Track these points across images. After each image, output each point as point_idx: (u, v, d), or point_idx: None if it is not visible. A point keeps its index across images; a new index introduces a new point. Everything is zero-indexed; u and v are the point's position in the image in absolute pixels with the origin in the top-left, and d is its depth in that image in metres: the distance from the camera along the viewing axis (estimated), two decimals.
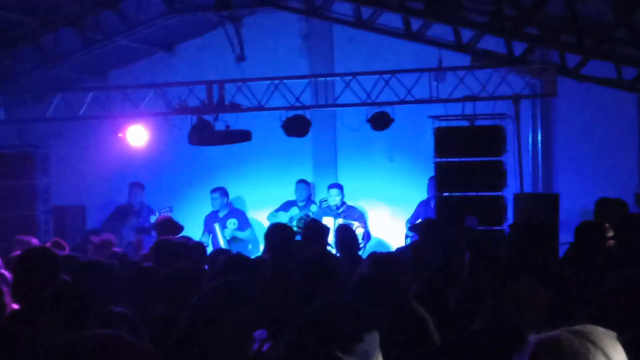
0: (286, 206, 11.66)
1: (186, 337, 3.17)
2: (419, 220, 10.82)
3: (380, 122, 10.29)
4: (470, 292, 5.37)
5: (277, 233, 7.04)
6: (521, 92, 10.20)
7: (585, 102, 11.03)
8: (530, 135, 11.45)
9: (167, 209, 11.15)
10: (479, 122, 10.12)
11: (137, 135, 11.22)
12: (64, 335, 2.16)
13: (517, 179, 10.11)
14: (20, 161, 11.20)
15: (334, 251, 8.40)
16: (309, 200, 11.72)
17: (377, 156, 12.12)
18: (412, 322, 3.95)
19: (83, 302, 3.58)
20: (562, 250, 8.39)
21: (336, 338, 2.01)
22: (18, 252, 6.88)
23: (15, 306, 4.68)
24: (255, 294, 3.29)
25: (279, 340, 3.39)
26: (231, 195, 12.04)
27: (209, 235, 11.43)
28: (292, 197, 11.75)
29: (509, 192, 10.04)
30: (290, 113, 10.55)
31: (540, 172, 11.54)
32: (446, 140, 9.99)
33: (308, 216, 11.10)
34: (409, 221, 11.18)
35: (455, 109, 10.20)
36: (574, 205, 10.44)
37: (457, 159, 10.07)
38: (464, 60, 10.42)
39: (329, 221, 10.79)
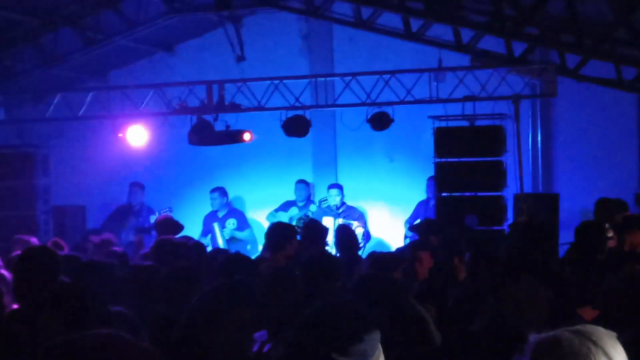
0: (285, 206, 11.66)
1: (186, 336, 3.17)
2: (418, 220, 10.84)
3: (380, 122, 10.29)
4: (470, 292, 5.37)
5: (277, 232, 7.04)
6: (521, 92, 10.19)
7: (585, 102, 11.03)
8: (530, 135, 11.46)
9: (167, 209, 11.15)
10: (478, 122, 10.12)
11: (137, 135, 11.21)
12: (64, 335, 2.16)
13: (517, 179, 10.10)
14: (20, 161, 11.20)
15: (332, 251, 8.41)
16: (309, 200, 11.72)
17: (377, 156, 12.12)
18: (412, 322, 3.95)
19: (83, 302, 3.57)
20: (562, 250, 8.39)
21: (336, 338, 2.01)
22: (18, 252, 6.89)
23: (16, 306, 4.69)
24: (255, 294, 3.29)
25: (279, 341, 3.40)
26: (231, 195, 12.04)
27: (208, 235, 11.42)
28: (292, 197, 11.75)
29: (509, 192, 10.04)
30: (290, 113, 10.55)
31: (540, 172, 11.54)
32: (446, 141, 9.99)
33: (307, 216, 11.10)
34: (407, 221, 11.18)
35: (455, 109, 10.20)
36: (574, 205, 10.44)
37: (457, 159, 10.07)
38: (464, 60, 10.42)
39: (328, 221, 10.80)
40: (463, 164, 10.04)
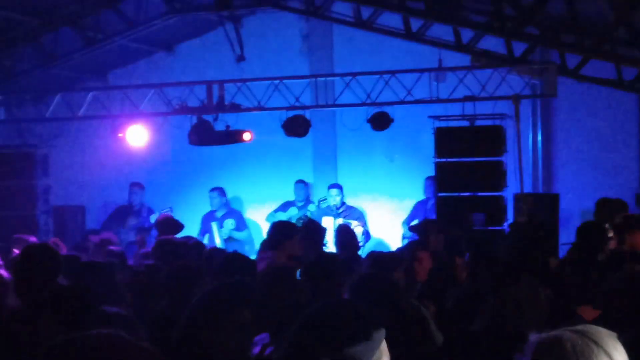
0: (284, 207, 11.66)
1: (186, 337, 3.16)
2: (416, 220, 10.84)
3: (380, 122, 10.29)
4: (470, 292, 5.37)
5: (277, 229, 7.02)
6: (521, 92, 10.19)
7: (585, 102, 11.03)
8: (531, 135, 11.45)
9: (168, 209, 11.14)
10: (479, 122, 10.12)
11: (137, 135, 11.21)
12: (63, 335, 2.16)
13: (517, 179, 10.10)
14: (20, 161, 11.20)
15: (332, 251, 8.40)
16: (308, 200, 11.72)
17: (377, 156, 12.12)
18: (412, 322, 3.94)
19: (82, 303, 3.57)
20: (562, 251, 8.39)
21: (336, 338, 2.01)
22: (17, 251, 6.90)
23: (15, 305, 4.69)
24: (255, 294, 3.29)
25: (280, 343, 3.39)
26: (231, 195, 12.04)
27: (205, 234, 11.42)
28: (292, 197, 11.75)
29: (509, 192, 10.04)
30: (290, 113, 10.54)
31: (540, 172, 11.54)
32: (446, 140, 9.99)
33: (306, 216, 11.10)
34: (405, 222, 11.19)
35: (455, 109, 10.20)
36: (574, 206, 10.45)
37: (457, 159, 10.07)
38: (464, 60, 10.42)
39: (328, 221, 10.80)
40: (463, 164, 10.04)
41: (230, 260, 5.51)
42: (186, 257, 6.81)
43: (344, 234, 8.16)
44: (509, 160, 10.00)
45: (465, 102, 10.12)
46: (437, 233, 7.64)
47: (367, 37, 11.04)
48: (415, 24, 10.32)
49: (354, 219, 10.98)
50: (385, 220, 11.82)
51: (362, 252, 8.81)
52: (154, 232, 10.27)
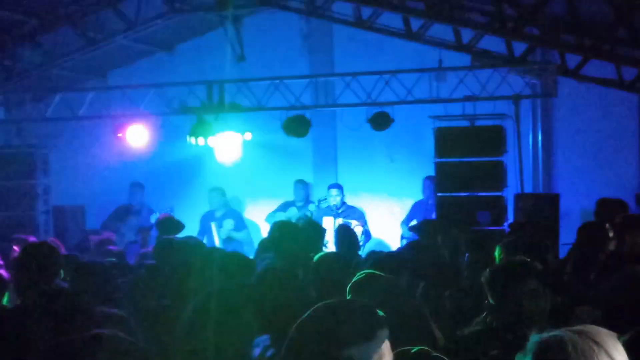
0: (284, 207, 11.65)
1: (187, 337, 3.16)
2: (414, 220, 10.84)
3: (381, 122, 10.29)
4: (470, 292, 5.36)
5: (279, 230, 7.00)
6: (521, 92, 10.19)
7: (585, 102, 11.03)
8: (531, 135, 11.45)
9: (168, 209, 11.15)
10: (479, 122, 10.11)
11: (137, 135, 11.21)
12: (52, 338, 2.17)
13: (518, 179, 10.10)
14: (20, 161, 11.20)
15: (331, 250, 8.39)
16: (307, 200, 11.71)
17: (377, 156, 12.12)
18: (413, 322, 3.94)
19: (74, 304, 3.56)
20: (562, 250, 8.39)
21: (336, 338, 2.00)
22: (16, 248, 6.91)
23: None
24: (257, 295, 3.28)
25: (281, 344, 3.38)
26: (231, 196, 12.04)
27: (204, 235, 11.41)
28: (292, 197, 11.75)
29: (509, 192, 10.03)
30: (290, 113, 10.54)
31: (540, 172, 11.54)
32: (446, 140, 9.98)
33: (306, 216, 11.09)
34: (404, 222, 11.20)
35: (455, 109, 10.19)
36: (574, 205, 10.44)
37: (457, 159, 10.06)
38: (464, 60, 10.42)
39: (329, 221, 10.80)
40: (463, 164, 10.03)
41: (229, 261, 5.49)
42: (187, 256, 6.80)
43: (344, 234, 8.16)
44: (509, 160, 9.99)
45: (466, 102, 10.12)
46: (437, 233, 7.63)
47: (367, 37, 11.04)
48: (416, 23, 10.32)
49: (354, 219, 10.97)
50: (385, 220, 11.82)
51: (362, 252, 8.81)
52: (154, 232, 10.28)
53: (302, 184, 11.71)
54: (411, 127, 11.09)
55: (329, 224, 10.61)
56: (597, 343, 1.98)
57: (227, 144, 11.18)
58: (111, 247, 8.05)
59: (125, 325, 3.64)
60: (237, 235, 11.52)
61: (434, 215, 10.68)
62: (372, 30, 10.61)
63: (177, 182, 12.48)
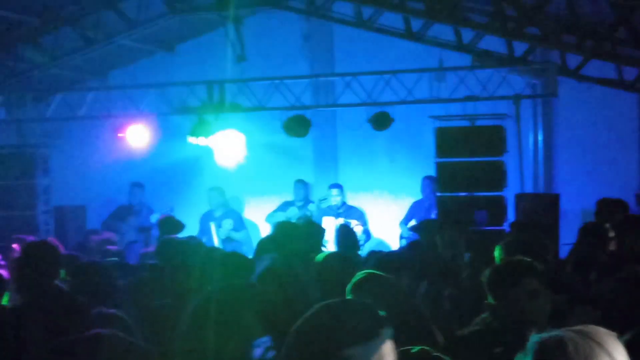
0: (284, 206, 11.65)
1: (188, 337, 3.16)
2: (413, 220, 10.85)
3: (381, 122, 10.29)
4: (470, 292, 5.37)
5: (283, 231, 6.99)
6: (522, 92, 10.19)
7: (585, 102, 11.03)
8: (531, 135, 11.46)
9: (169, 209, 11.16)
10: (479, 122, 10.11)
11: (137, 135, 11.22)
12: (47, 338, 2.18)
13: (518, 179, 10.11)
14: (21, 161, 11.20)
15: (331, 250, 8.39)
16: (307, 200, 11.71)
17: (377, 156, 12.12)
18: (412, 322, 3.94)
19: (71, 304, 3.57)
20: (562, 251, 8.39)
21: (335, 338, 2.00)
22: (16, 247, 6.92)
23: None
24: (259, 297, 3.28)
25: (282, 345, 3.38)
26: (231, 195, 12.04)
27: (203, 235, 11.41)
28: (293, 197, 11.75)
29: (510, 192, 10.03)
30: (291, 113, 10.54)
31: (540, 172, 11.54)
32: (447, 140, 9.98)
33: (306, 216, 11.09)
34: (402, 222, 11.21)
35: (456, 109, 10.20)
36: (575, 205, 10.44)
37: (457, 159, 10.06)
38: (465, 60, 10.42)
39: (329, 221, 10.80)
40: (463, 164, 10.03)
41: (228, 261, 5.50)
42: (188, 256, 6.81)
43: (344, 234, 8.17)
44: (509, 160, 10.00)
45: (466, 102, 10.13)
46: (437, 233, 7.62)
47: (367, 37, 11.04)
48: (416, 23, 10.32)
49: (354, 219, 10.98)
50: (386, 220, 11.83)
51: (362, 252, 8.82)
52: (155, 232, 10.28)
53: (301, 184, 11.71)
54: (411, 127, 11.09)
55: (329, 224, 10.61)
56: (597, 343, 1.98)
57: (227, 144, 11.18)
58: (110, 247, 8.06)
59: (124, 325, 3.65)
60: (236, 235, 11.52)
61: (432, 215, 10.69)
62: (372, 30, 10.62)
63: (177, 182, 12.48)
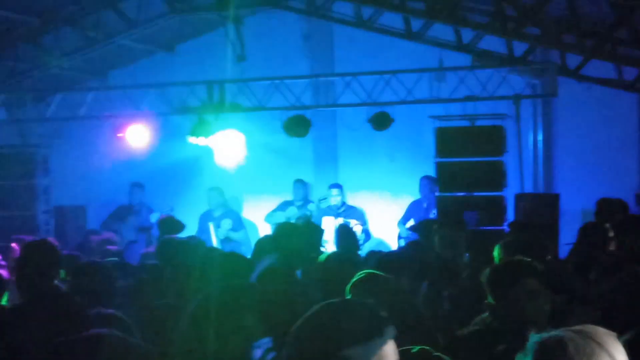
0: (283, 206, 11.66)
1: (188, 337, 3.16)
2: (411, 220, 10.86)
3: (381, 122, 10.29)
4: (469, 292, 5.36)
5: (284, 232, 6.97)
6: (522, 92, 10.20)
7: (585, 102, 11.03)
8: (531, 135, 11.46)
9: (169, 208, 11.17)
10: (479, 122, 10.11)
11: (137, 135, 11.22)
12: (45, 338, 2.19)
13: (518, 179, 10.11)
14: (21, 161, 11.20)
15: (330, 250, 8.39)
16: (306, 200, 11.72)
17: (377, 156, 12.12)
18: (413, 322, 3.94)
19: (69, 304, 3.57)
20: (563, 251, 8.39)
21: (335, 339, 2.00)
22: (15, 246, 6.92)
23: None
24: (259, 298, 3.27)
25: (282, 347, 3.38)
26: (231, 195, 12.04)
27: (202, 235, 11.41)
28: (292, 197, 11.76)
29: (510, 192, 10.03)
30: (291, 113, 10.54)
31: (540, 172, 11.54)
32: (447, 140, 9.98)
33: (305, 216, 11.10)
34: (400, 222, 11.22)
35: (455, 109, 10.20)
36: (575, 205, 10.44)
37: (457, 159, 10.06)
38: (465, 60, 10.42)
39: (329, 221, 10.81)
40: (463, 164, 10.03)
41: (227, 262, 5.50)
42: (189, 256, 6.81)
43: (344, 234, 8.16)
44: (509, 160, 10.00)
45: (466, 102, 10.13)
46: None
47: (367, 37, 11.04)
48: (416, 24, 10.32)
49: (354, 219, 10.99)
50: (386, 220, 11.83)
51: (362, 252, 8.82)
52: (155, 232, 10.28)
53: (301, 184, 11.71)
54: (411, 127, 11.09)
55: (329, 224, 10.62)
56: (598, 343, 1.98)
57: (227, 144, 11.18)
58: (110, 247, 8.05)
59: (123, 326, 3.65)
60: (235, 235, 11.53)
61: (431, 215, 10.70)
62: (372, 30, 10.62)
63: (177, 182, 12.48)
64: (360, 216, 11.29)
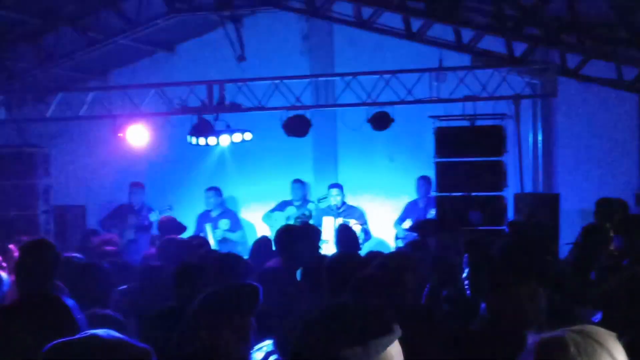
0: (282, 206, 11.67)
1: (187, 338, 3.16)
2: (408, 220, 10.87)
3: (381, 122, 10.29)
4: (469, 292, 5.37)
5: (285, 234, 6.97)
6: (521, 92, 10.20)
7: (585, 102, 11.03)
8: (531, 135, 11.46)
9: (168, 207, 11.17)
10: (479, 122, 10.11)
11: (137, 135, 11.22)
12: (34, 342, 2.19)
13: (518, 179, 10.11)
14: (21, 161, 11.19)
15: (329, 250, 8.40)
16: (305, 199, 11.72)
17: (377, 156, 12.12)
18: (412, 322, 3.94)
19: (57, 310, 3.56)
20: (563, 251, 8.39)
21: (335, 339, 2.00)
22: (13, 248, 6.92)
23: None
24: (257, 299, 3.27)
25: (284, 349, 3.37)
26: (231, 196, 12.03)
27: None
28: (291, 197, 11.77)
29: (509, 192, 10.04)
30: (291, 113, 10.54)
31: (540, 172, 11.54)
32: (446, 140, 9.98)
33: (305, 215, 11.11)
34: (397, 222, 11.23)
35: (455, 109, 10.20)
36: (574, 205, 10.44)
37: (457, 159, 10.07)
38: (465, 60, 10.42)
39: (329, 221, 10.81)
40: (463, 164, 10.04)
41: (225, 262, 5.50)
42: (190, 257, 6.81)
43: (345, 234, 8.17)
44: (509, 160, 10.01)
45: (466, 102, 10.13)
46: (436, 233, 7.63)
47: (367, 37, 11.04)
48: (416, 24, 10.32)
49: (354, 219, 10.99)
50: (386, 219, 11.83)
51: (362, 252, 8.82)
52: (155, 231, 10.29)
53: (299, 184, 11.72)
54: (411, 127, 11.09)
55: (329, 224, 10.63)
56: (598, 343, 1.98)
57: (226, 144, 11.18)
58: (108, 248, 8.04)
59: (118, 326, 3.65)
60: (232, 236, 11.54)
61: (428, 215, 10.72)
62: (372, 30, 10.61)
63: (177, 181, 12.49)
64: (360, 216, 11.30)
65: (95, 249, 8.05)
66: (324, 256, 6.76)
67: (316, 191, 12.11)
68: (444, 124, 10.12)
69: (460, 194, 10.05)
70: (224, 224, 11.54)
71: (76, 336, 2.22)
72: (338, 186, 11.51)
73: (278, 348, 3.64)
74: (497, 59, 10.24)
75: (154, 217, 11.22)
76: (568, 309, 4.70)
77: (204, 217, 11.63)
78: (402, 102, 10.22)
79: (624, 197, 8.78)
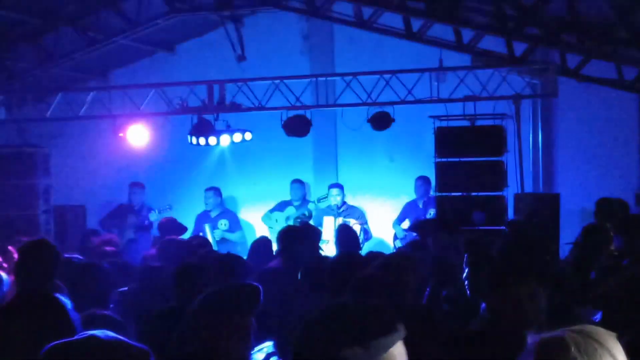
0: (282, 206, 11.67)
1: (187, 338, 3.16)
2: (407, 220, 10.86)
3: (381, 122, 10.29)
4: (469, 292, 5.37)
5: (287, 235, 6.97)
6: (522, 92, 10.20)
7: (585, 102, 11.03)
8: (531, 135, 11.45)
9: (167, 207, 11.17)
10: (479, 122, 10.12)
11: (137, 135, 11.22)
12: (31, 341, 2.19)
13: (518, 179, 10.11)
14: (21, 161, 11.19)
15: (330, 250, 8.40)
16: (304, 199, 11.72)
17: (377, 156, 12.12)
18: (412, 322, 3.94)
19: (54, 310, 3.56)
20: (563, 251, 8.40)
21: (335, 340, 2.00)
22: (11, 249, 6.92)
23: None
24: (257, 300, 3.27)
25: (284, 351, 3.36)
26: (230, 196, 12.02)
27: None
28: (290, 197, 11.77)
29: (510, 192, 10.04)
30: (291, 113, 10.54)
31: (540, 172, 11.54)
32: (447, 140, 9.98)
33: (305, 215, 11.11)
34: (395, 222, 11.22)
35: (455, 109, 10.20)
36: (575, 205, 10.45)
37: (457, 159, 10.07)
38: (465, 60, 10.42)
39: (329, 220, 10.81)
40: (463, 164, 10.04)
41: (225, 262, 5.50)
42: (191, 257, 6.81)
43: (345, 234, 8.16)
44: (509, 160, 10.00)
45: (466, 102, 10.12)
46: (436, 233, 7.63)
47: (367, 37, 11.04)
48: (416, 23, 10.32)
49: (354, 218, 11.00)
50: (386, 219, 11.84)
51: (362, 252, 8.82)
52: (155, 231, 10.28)
53: (298, 184, 11.72)
54: (411, 127, 11.09)
55: (330, 224, 10.63)
56: (599, 342, 1.98)
57: (226, 144, 11.18)
58: (108, 248, 8.05)
59: (116, 326, 3.65)
60: (231, 236, 11.54)
61: (427, 215, 10.72)
62: (372, 30, 10.61)
63: (177, 181, 12.49)
64: (361, 215, 11.30)
65: (95, 249, 8.05)
66: (325, 256, 6.78)
67: (316, 191, 12.11)
68: (444, 124, 10.13)
69: (460, 194, 10.06)
70: (223, 224, 11.55)
71: (75, 337, 2.22)
72: (338, 186, 11.51)
73: (278, 349, 3.64)
74: (497, 59, 10.24)
75: (153, 216, 11.23)
76: (568, 309, 4.70)
77: (203, 217, 11.63)
78: (402, 102, 10.22)
79: (624, 197, 8.78)
